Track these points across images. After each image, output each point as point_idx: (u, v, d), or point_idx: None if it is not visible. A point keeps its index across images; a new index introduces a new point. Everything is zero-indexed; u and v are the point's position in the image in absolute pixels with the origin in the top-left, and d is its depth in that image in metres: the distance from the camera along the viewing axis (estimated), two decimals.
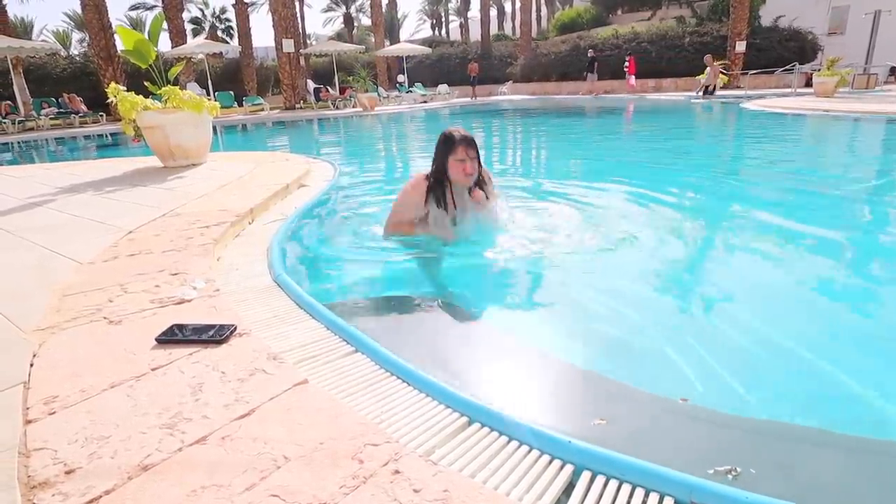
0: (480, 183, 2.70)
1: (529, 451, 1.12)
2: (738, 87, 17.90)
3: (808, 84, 15.75)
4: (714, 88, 15.45)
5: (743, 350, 1.72)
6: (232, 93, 20.39)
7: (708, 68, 15.33)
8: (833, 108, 10.06)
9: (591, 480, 1.05)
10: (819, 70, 13.68)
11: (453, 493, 0.93)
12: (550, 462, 1.09)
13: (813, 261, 2.60)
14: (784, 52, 18.85)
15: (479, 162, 2.62)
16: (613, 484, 1.04)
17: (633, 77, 19.98)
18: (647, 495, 1.00)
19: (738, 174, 5.19)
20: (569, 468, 1.07)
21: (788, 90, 15.97)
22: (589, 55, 20.95)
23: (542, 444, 1.13)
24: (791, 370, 1.62)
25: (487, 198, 2.75)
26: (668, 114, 12.66)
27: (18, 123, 14.93)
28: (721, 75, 16.53)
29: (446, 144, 2.56)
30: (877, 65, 17.49)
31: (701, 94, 15.55)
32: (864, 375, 1.55)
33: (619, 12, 31.58)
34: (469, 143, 2.53)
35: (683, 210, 3.66)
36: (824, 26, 20.86)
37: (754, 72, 17.18)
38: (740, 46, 18.73)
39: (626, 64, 20.04)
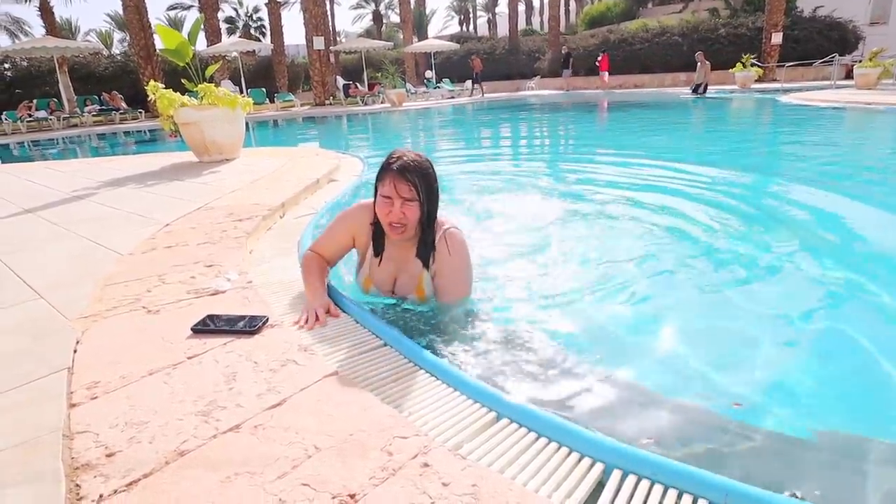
0: (428, 251, 1.82)
1: (559, 449, 1.11)
2: (774, 80, 17.30)
3: (849, 76, 15.13)
4: (706, 86, 14.96)
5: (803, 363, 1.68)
6: (264, 89, 20.76)
7: (699, 65, 14.92)
8: (875, 101, 9.63)
9: (622, 479, 1.03)
10: (860, 61, 13.09)
11: (482, 488, 0.93)
12: (580, 460, 1.08)
13: (856, 262, 2.50)
14: (824, 42, 18.16)
15: (428, 210, 1.74)
16: (645, 484, 1.01)
17: (607, 74, 20.17)
18: (679, 497, 0.98)
19: (767, 170, 5.01)
20: (599, 466, 1.06)
21: (827, 82, 15.35)
22: (563, 52, 20.86)
23: (571, 441, 1.11)
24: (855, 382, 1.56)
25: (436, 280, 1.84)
26: (692, 108, 12.32)
27: (63, 120, 15.56)
28: (755, 68, 16.02)
29: (380, 168, 1.74)
30: None
31: (691, 91, 15.10)
32: None
33: (650, 5, 30.88)
34: (403, 174, 1.66)
35: (710, 206, 3.56)
36: (866, 16, 19.97)
37: (791, 64, 16.58)
38: (776, 38, 18.11)
39: (598, 60, 20.03)
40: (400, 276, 1.89)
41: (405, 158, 1.70)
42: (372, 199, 1.80)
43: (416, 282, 1.86)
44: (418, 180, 1.68)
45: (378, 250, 1.89)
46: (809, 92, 12.50)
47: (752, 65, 16.18)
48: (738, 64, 16.29)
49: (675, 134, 8.44)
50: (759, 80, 16.69)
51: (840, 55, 15.70)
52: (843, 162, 5.24)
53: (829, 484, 1.14)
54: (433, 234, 1.80)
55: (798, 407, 1.46)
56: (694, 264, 2.50)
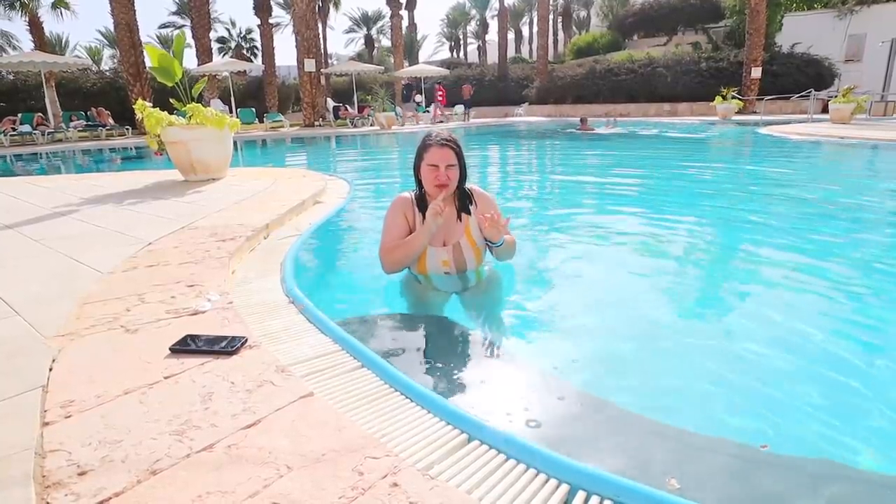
0: (465, 203, 2.34)
1: (526, 470, 1.14)
2: (754, 113, 17.92)
3: (825, 110, 15.69)
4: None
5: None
6: (253, 109, 20.88)
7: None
8: (848, 135, 10.01)
9: (587, 501, 1.06)
10: (835, 97, 13.62)
11: None
12: (547, 481, 1.11)
13: (827, 291, 2.58)
14: (801, 77, 18.88)
15: (462, 174, 2.24)
16: None
17: (442, 105, 20.36)
18: None
19: (746, 200, 5.17)
20: (564, 487, 1.09)
21: (804, 116, 15.91)
22: (404, 82, 20.75)
23: (538, 463, 1.14)
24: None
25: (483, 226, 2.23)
26: (673, 138, 12.66)
27: (48, 135, 15.44)
28: (735, 101, 16.59)
29: (421, 146, 2.22)
30: (895, 92, 17.41)
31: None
32: None
33: (635, 37, 31.80)
34: (444, 145, 2.16)
35: (692, 236, 3.66)
36: (841, 53, 20.83)
37: (770, 97, 17.18)
38: (755, 72, 18.85)
39: (440, 93, 20.13)
40: (448, 229, 2.30)
41: (442, 135, 2.20)
42: (402, 193, 2.33)
43: (463, 228, 2.32)
44: (456, 149, 2.18)
45: (425, 212, 2.24)
46: (787, 125, 12.92)
47: (733, 97, 16.74)
48: (718, 97, 16.83)
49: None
50: (740, 112, 17.25)
51: (816, 90, 16.31)
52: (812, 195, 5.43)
53: None
54: (467, 190, 2.34)
55: (835, 446, 1.39)
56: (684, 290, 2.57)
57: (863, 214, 4.18)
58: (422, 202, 2.29)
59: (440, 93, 20.09)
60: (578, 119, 15.12)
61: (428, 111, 22.66)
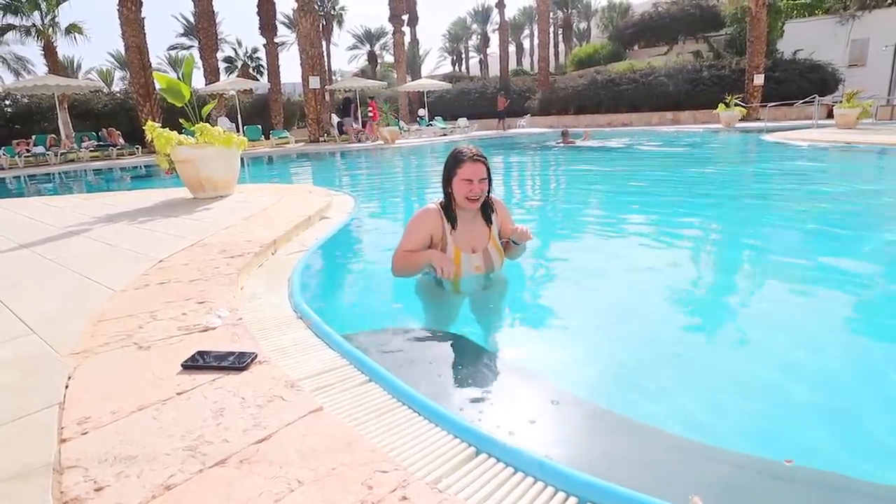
0: (488, 212, 2.54)
1: (535, 483, 1.15)
2: (758, 120, 17.90)
3: (830, 115, 15.64)
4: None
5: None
6: (259, 126, 21.13)
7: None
8: (855, 140, 9.96)
9: None
10: (840, 102, 13.57)
11: None
12: (555, 494, 1.12)
13: (835, 297, 2.57)
14: (805, 83, 18.84)
15: (489, 186, 2.43)
16: None
17: (374, 122, 19.56)
18: None
19: (758, 208, 5.16)
20: (573, 500, 1.10)
21: (809, 122, 15.85)
22: (341, 97, 20.42)
23: (545, 476, 1.15)
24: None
25: (500, 230, 2.55)
26: (682, 145, 12.68)
27: (61, 155, 15.71)
28: (738, 108, 16.59)
29: (453, 161, 2.38)
30: None
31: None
32: None
33: (636, 48, 31.93)
34: (477, 160, 2.32)
35: (699, 245, 3.66)
36: (844, 58, 20.81)
37: (774, 104, 17.16)
38: (758, 79, 18.87)
39: (370, 110, 19.56)
40: (476, 237, 2.49)
41: (473, 150, 2.36)
42: (429, 205, 2.48)
43: (487, 234, 2.52)
44: (486, 164, 2.34)
45: (453, 223, 2.44)
46: (791, 131, 12.88)
47: (736, 105, 16.75)
48: (721, 104, 16.84)
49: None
50: (744, 119, 17.24)
51: (820, 96, 16.25)
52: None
53: None
54: (490, 200, 2.50)
55: (865, 461, 1.36)
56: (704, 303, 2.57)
57: (882, 221, 4.15)
58: (449, 212, 2.46)
59: (370, 108, 19.86)
60: (560, 132, 14.83)
61: (431, 125, 22.81)
